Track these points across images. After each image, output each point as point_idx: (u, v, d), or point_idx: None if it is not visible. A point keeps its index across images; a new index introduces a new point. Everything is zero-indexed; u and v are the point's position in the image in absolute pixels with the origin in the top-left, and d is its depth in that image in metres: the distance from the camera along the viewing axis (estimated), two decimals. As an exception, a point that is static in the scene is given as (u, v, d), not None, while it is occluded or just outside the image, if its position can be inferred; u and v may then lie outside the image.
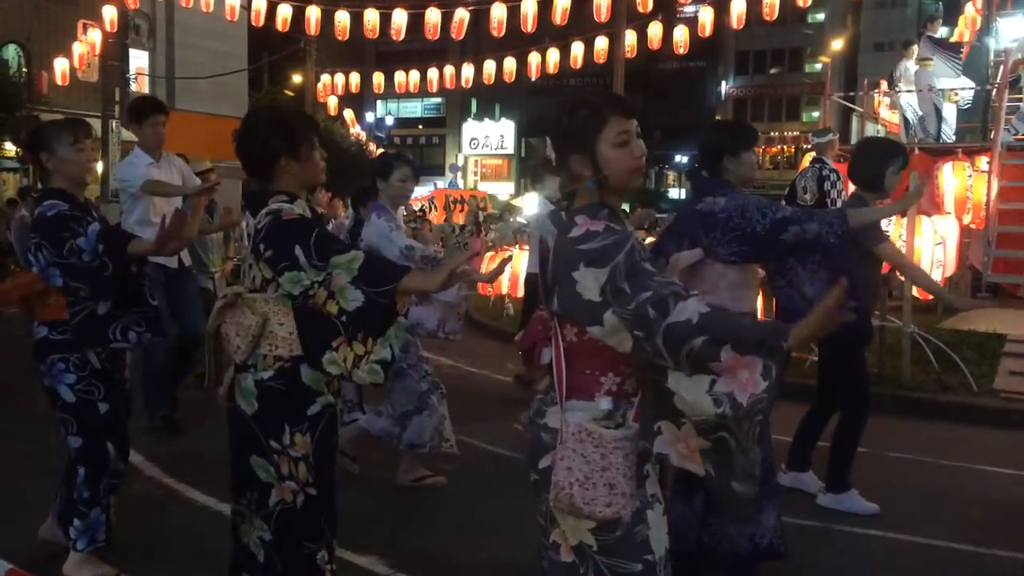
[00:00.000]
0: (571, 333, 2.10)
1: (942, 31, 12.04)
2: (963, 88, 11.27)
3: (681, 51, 14.96)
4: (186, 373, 5.96)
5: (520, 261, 10.86)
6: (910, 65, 11.33)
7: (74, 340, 3.22)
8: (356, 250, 2.49)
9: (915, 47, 11.69)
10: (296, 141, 2.59)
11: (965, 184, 9.40)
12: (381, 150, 23.25)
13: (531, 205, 25.15)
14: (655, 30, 14.69)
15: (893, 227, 7.52)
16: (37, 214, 3.20)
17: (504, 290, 10.98)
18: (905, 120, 11.56)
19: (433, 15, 14.04)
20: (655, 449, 2.07)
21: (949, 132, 11.05)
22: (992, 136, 10.07)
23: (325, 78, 20.13)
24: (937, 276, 8.26)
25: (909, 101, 11.26)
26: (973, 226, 9.81)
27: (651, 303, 1.90)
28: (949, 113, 11.05)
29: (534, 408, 2.20)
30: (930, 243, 7.80)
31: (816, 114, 39.37)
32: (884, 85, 12.54)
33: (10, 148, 20.70)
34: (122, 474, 3.46)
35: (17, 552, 3.27)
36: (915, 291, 6.96)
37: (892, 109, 12.37)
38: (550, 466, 2.06)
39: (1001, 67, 10.83)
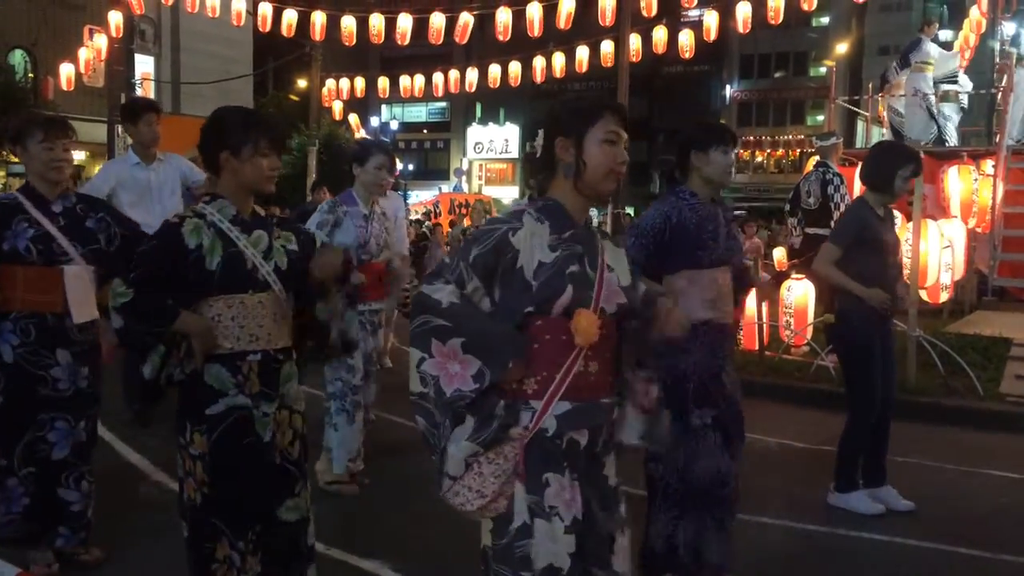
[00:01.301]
0: None
1: (947, 34, 12.03)
2: (960, 90, 11.22)
3: (686, 55, 14.95)
4: None
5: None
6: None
7: None
8: (129, 285, 2.52)
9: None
10: (241, 139, 2.60)
11: (971, 188, 9.38)
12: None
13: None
14: (660, 34, 14.68)
15: (899, 232, 7.50)
16: None
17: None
18: (892, 125, 11.55)
19: (438, 20, 14.06)
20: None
21: (952, 131, 11.01)
22: (997, 139, 10.05)
23: (330, 83, 20.14)
24: (946, 279, 8.25)
25: (895, 105, 11.25)
26: (979, 230, 9.79)
27: (432, 271, 2.09)
28: (952, 112, 11.02)
29: None
30: (937, 247, 7.79)
31: (820, 118, 39.30)
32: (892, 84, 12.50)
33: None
34: (6, 470, 3.32)
35: (25, 555, 3.29)
36: (924, 295, 6.96)
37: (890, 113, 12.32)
38: None
39: (1006, 71, 10.81)
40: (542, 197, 2.19)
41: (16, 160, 18.85)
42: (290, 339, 2.75)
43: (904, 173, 4.31)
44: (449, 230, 21.40)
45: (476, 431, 2.01)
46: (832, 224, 7.77)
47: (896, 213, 7.67)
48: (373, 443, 4.69)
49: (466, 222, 23.09)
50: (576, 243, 2.12)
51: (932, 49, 11.01)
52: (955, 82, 11.08)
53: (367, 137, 28.58)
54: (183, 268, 2.55)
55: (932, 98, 10.66)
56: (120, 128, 16.45)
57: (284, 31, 14.97)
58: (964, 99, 11.50)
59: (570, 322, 2.05)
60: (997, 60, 12.75)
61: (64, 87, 17.89)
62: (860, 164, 4.67)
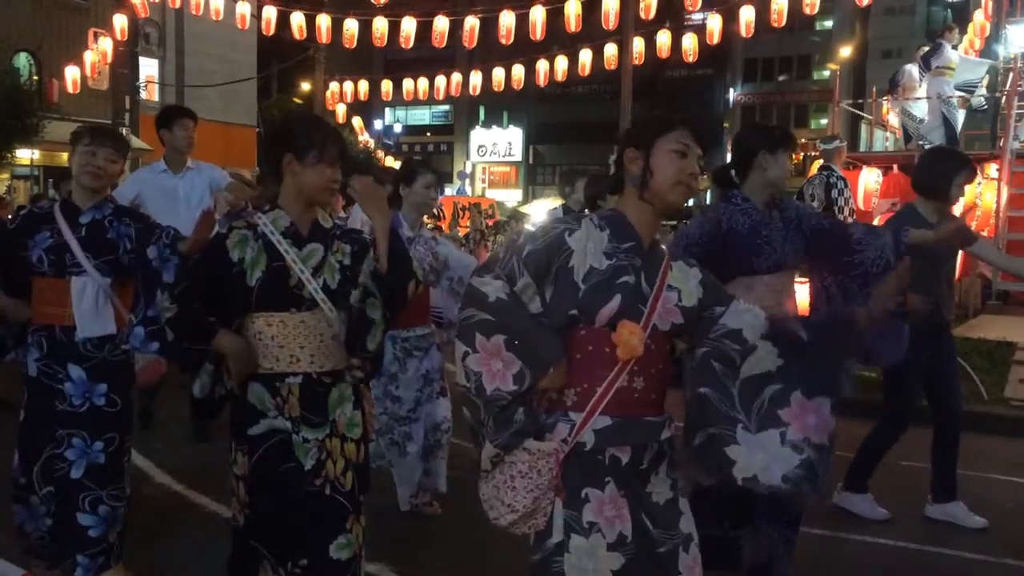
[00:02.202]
0: None
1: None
2: (969, 96, 11.21)
3: (689, 59, 14.98)
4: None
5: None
6: (913, 69, 11.33)
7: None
8: (173, 300, 2.46)
9: (925, 50, 11.71)
10: (308, 142, 2.49)
11: (975, 191, 9.38)
12: (390, 157, 23.31)
13: (539, 212, 25.17)
14: (663, 38, 14.71)
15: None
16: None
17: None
18: (904, 128, 11.54)
19: (441, 23, 14.10)
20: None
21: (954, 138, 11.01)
22: (1001, 143, 10.05)
23: (334, 86, 20.20)
24: (947, 283, 8.23)
25: (908, 108, 11.24)
26: (983, 233, 9.77)
27: (484, 263, 2.04)
28: (959, 119, 11.02)
29: None
30: (940, 250, 7.77)
31: (824, 121, 39.33)
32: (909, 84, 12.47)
33: (23, 155, 20.84)
34: (28, 487, 3.21)
35: (30, 558, 3.29)
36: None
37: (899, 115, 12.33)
38: None
39: (1011, 74, 10.81)
40: (610, 208, 2.14)
41: (21, 163, 18.82)
42: (343, 361, 2.58)
43: (959, 180, 4.22)
44: (448, 232, 21.44)
45: (494, 432, 1.97)
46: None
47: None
48: (378, 448, 4.67)
49: (463, 225, 23.13)
50: (636, 255, 2.06)
51: (952, 54, 10.99)
52: (972, 91, 11.06)
53: (370, 140, 28.63)
54: (225, 282, 2.46)
55: (955, 102, 10.66)
56: (125, 131, 16.52)
57: (288, 34, 15.02)
58: (982, 101, 11.49)
59: (613, 334, 2.00)
60: (1001, 64, 12.74)
61: (69, 90, 17.96)
62: (914, 171, 4.59)
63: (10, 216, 6.85)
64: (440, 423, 4.41)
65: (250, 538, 2.52)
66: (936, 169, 4.30)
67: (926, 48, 11.51)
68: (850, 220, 7.79)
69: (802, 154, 41.13)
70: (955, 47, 11.33)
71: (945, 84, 10.79)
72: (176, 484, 4.66)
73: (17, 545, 3.30)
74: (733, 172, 3.34)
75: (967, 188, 9.12)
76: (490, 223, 22.60)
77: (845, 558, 4.01)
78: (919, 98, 11.02)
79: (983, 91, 11.39)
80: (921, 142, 10.79)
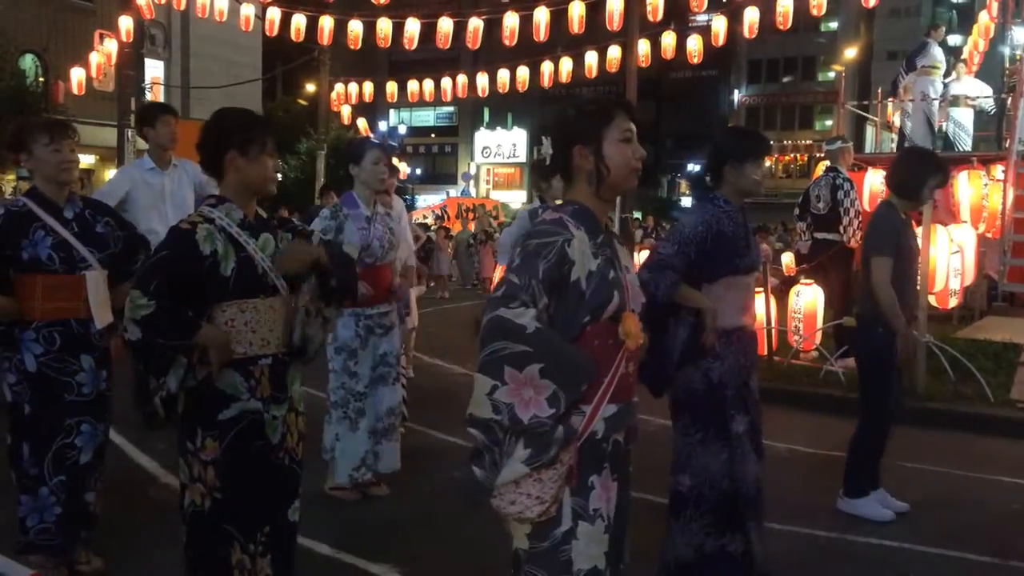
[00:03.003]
0: None
1: (956, 39, 12.00)
2: (969, 95, 11.19)
3: (694, 60, 14.95)
4: None
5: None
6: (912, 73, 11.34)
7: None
8: (149, 296, 2.44)
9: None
10: (248, 137, 2.59)
11: (981, 193, 9.35)
12: (395, 158, 23.31)
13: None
14: (668, 39, 14.69)
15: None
16: None
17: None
18: (901, 130, 11.54)
19: (446, 24, 14.08)
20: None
21: (965, 138, 10.98)
22: (1007, 145, 10.02)
23: (339, 87, 20.20)
24: (955, 284, 8.23)
25: (907, 109, 11.23)
26: (989, 235, 9.75)
27: (507, 288, 1.98)
28: (966, 119, 10.99)
29: None
30: (946, 252, 7.76)
31: (829, 123, 39.28)
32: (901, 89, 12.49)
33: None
34: (38, 478, 3.29)
35: (37, 559, 3.30)
36: (933, 300, 6.93)
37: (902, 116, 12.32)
38: None
39: (1016, 75, 10.78)
40: (569, 202, 2.17)
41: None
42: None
43: (932, 182, 4.32)
44: (454, 234, 21.47)
45: (532, 457, 1.97)
46: (841, 229, 7.78)
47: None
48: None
49: (470, 227, 23.13)
50: (607, 246, 2.13)
51: (938, 53, 10.99)
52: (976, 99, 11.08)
53: (356, 137, 28.70)
54: (199, 275, 2.52)
55: (935, 104, 10.65)
56: (130, 132, 16.54)
57: (293, 35, 15.03)
58: (990, 103, 11.47)
59: (617, 326, 2.07)
60: (1007, 65, 12.72)
61: (75, 91, 17.97)
62: (888, 169, 4.67)
63: None
64: (394, 407, 4.56)
65: (220, 521, 2.58)
66: (910, 170, 4.40)
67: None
68: (856, 222, 7.80)
69: (807, 155, 41.21)
70: (953, 48, 11.33)
71: (930, 84, 10.77)
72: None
73: (14, 546, 3.29)
74: (707, 178, 3.42)
75: (973, 189, 9.16)
76: (496, 223, 22.61)
77: (848, 557, 3.99)
78: (911, 99, 11.01)
79: (984, 92, 11.37)
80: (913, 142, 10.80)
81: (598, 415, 2.06)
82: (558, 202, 2.28)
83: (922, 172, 4.34)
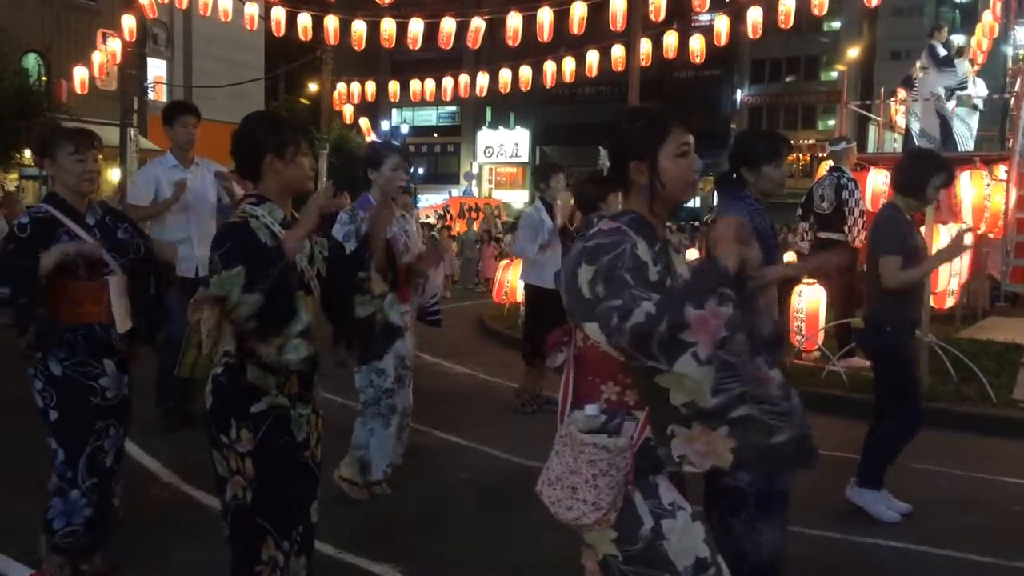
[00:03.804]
0: (580, 337, 2.13)
1: (959, 39, 11.99)
2: (974, 95, 11.18)
3: (697, 60, 14.95)
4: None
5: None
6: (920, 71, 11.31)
7: (29, 339, 3.32)
8: (242, 263, 2.48)
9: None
10: (283, 140, 2.64)
11: (983, 193, 9.34)
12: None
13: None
14: (670, 39, 14.69)
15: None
16: (12, 225, 3.34)
17: (519, 298, 10.98)
18: (907, 129, 11.52)
19: (448, 24, 14.09)
20: (675, 452, 2.01)
21: (968, 138, 10.97)
22: (1010, 145, 10.01)
23: (341, 87, 20.23)
24: (954, 284, 8.22)
25: (914, 109, 11.22)
26: (991, 235, 9.74)
27: (617, 311, 1.91)
28: (972, 120, 10.98)
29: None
30: (947, 252, 7.75)
31: (832, 122, 39.21)
32: (901, 93, 12.50)
33: (32, 155, 20.93)
34: (71, 481, 3.30)
35: (37, 557, 3.30)
36: (931, 300, 6.93)
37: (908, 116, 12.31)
38: None
39: (1019, 75, 10.78)
40: (626, 211, 2.16)
41: (29, 164, 18.82)
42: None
43: (936, 182, 4.32)
44: (456, 234, 21.46)
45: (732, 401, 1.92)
46: (845, 229, 7.77)
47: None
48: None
49: (476, 226, 23.14)
50: (664, 256, 2.11)
51: (941, 52, 10.99)
52: (964, 87, 11.05)
53: (377, 140, 28.68)
54: (265, 263, 2.52)
55: (945, 102, 10.64)
56: (132, 131, 16.57)
57: (300, 35, 15.05)
58: (979, 103, 11.48)
59: None
60: (1010, 65, 12.71)
61: (77, 91, 18.01)
62: (893, 169, 4.68)
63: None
64: (407, 409, 4.57)
65: (256, 515, 2.61)
66: (914, 170, 4.41)
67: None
68: (860, 221, 7.78)
69: (810, 155, 41.15)
70: (957, 48, 11.33)
71: (927, 84, 10.77)
72: (183, 484, 4.66)
73: (43, 544, 3.32)
74: (735, 176, 3.45)
75: (975, 189, 9.16)
76: (500, 223, 22.63)
77: (850, 557, 3.99)
78: (915, 99, 11.01)
79: (980, 92, 11.36)
80: (925, 143, 10.78)
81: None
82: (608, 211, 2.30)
83: (925, 173, 4.35)
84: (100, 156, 3.39)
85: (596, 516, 2.01)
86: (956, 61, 11.10)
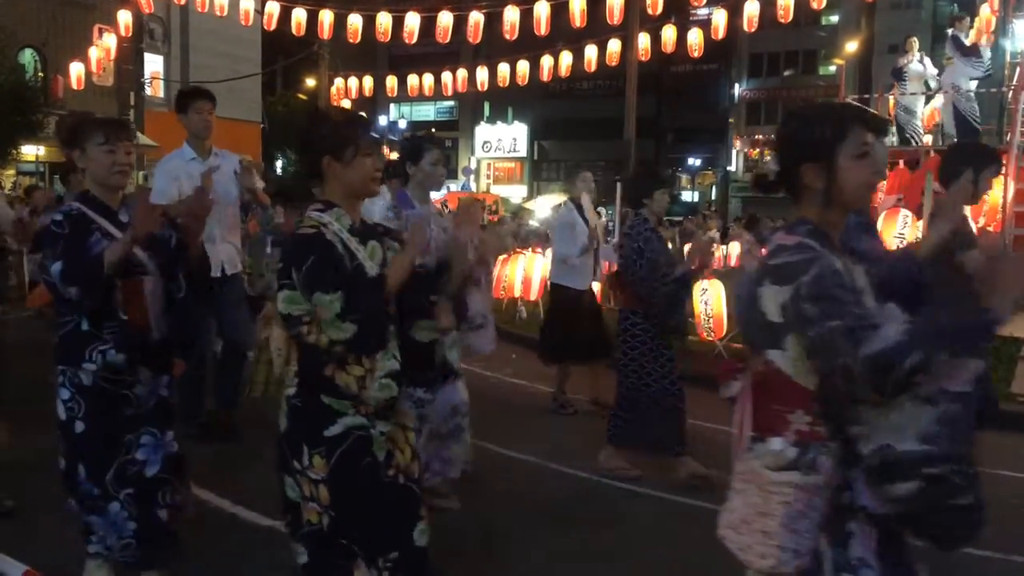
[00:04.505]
0: (758, 363, 1.94)
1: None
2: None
3: (694, 54, 14.93)
4: (239, 383, 5.28)
5: (534, 264, 10.87)
6: (901, 61, 11.34)
7: (56, 355, 3.09)
8: (340, 289, 2.31)
9: (914, 40, 11.76)
10: (341, 140, 2.45)
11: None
12: (395, 153, 23.29)
13: (543, 208, 25.08)
14: (668, 33, 14.67)
15: (910, 229, 7.48)
16: (46, 223, 3.11)
17: (516, 293, 10.98)
18: (898, 124, 11.51)
19: (445, 18, 14.06)
20: (860, 502, 1.80)
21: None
22: (1008, 138, 10.00)
23: (338, 82, 20.19)
24: (953, 279, 8.21)
25: (901, 102, 11.21)
26: (990, 228, 9.73)
27: (841, 332, 1.71)
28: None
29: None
30: (946, 246, 7.76)
31: (830, 116, 39.14)
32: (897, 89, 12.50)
33: (28, 152, 20.89)
34: (103, 496, 3.08)
35: (32, 553, 3.29)
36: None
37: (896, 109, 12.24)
38: None
39: (1018, 69, 10.76)
40: (800, 220, 1.95)
41: (28, 158, 18.81)
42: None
43: (987, 174, 4.20)
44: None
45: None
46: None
47: (907, 212, 7.68)
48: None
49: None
50: (847, 268, 1.90)
51: (967, 41, 11.01)
52: (990, 75, 11.06)
53: (416, 133, 28.57)
54: (363, 290, 2.37)
55: (970, 93, 10.63)
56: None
57: (292, 30, 15.00)
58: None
59: None
60: (1008, 58, 12.69)
61: (74, 86, 17.97)
62: (939, 165, 4.58)
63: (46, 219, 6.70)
64: (458, 405, 4.10)
65: (340, 537, 2.46)
66: (962, 163, 4.27)
67: (914, 39, 11.61)
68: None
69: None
70: (961, 44, 11.32)
71: (951, 76, 10.76)
72: (204, 493, 4.57)
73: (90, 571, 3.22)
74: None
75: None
76: (493, 219, 22.59)
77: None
78: (912, 93, 11.01)
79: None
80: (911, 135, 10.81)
81: None
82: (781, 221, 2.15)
83: (973, 166, 4.21)
84: (130, 148, 3.15)
85: (798, 563, 1.82)
86: (981, 48, 11.05)
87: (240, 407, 5.35)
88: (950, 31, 11.34)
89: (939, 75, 11.92)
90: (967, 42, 10.87)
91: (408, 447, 2.58)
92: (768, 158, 2.06)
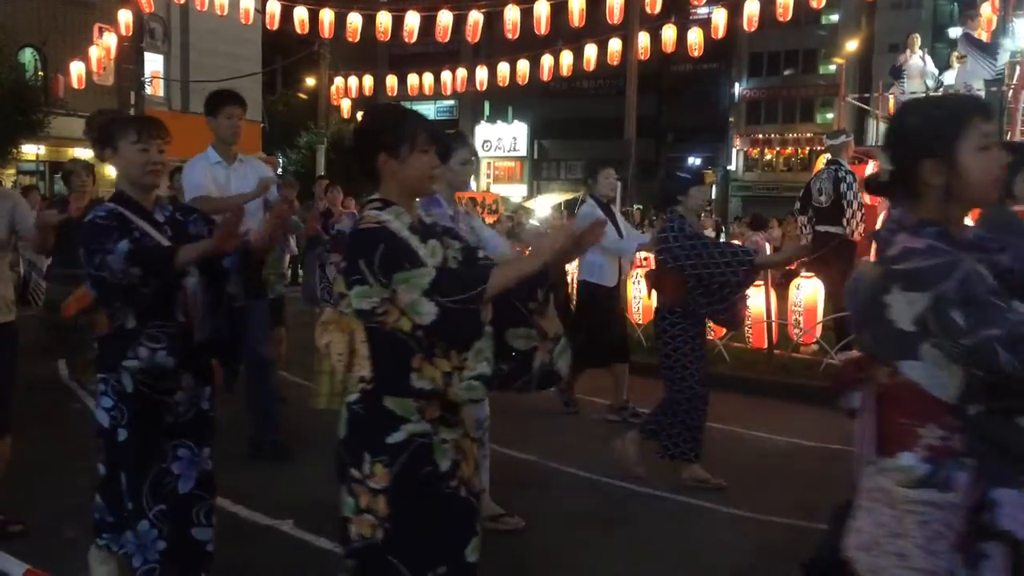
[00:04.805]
0: (884, 374, 1.85)
1: (957, 31, 12.00)
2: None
3: (695, 53, 14.94)
4: (268, 397, 5.26)
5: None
6: (911, 58, 11.32)
7: (105, 355, 2.97)
8: (427, 267, 2.21)
9: (916, 37, 11.75)
10: (397, 136, 2.34)
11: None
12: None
13: (543, 207, 25.05)
14: (668, 32, 14.67)
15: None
16: (85, 221, 2.98)
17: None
18: None
19: (445, 17, 14.06)
20: (1003, 525, 1.70)
21: None
22: (1008, 137, 10.00)
23: (338, 81, 20.20)
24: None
25: (901, 100, 11.20)
26: (990, 228, 9.74)
27: (1003, 342, 1.61)
28: None
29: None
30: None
31: (830, 115, 39.23)
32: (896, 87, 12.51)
33: (28, 151, 20.89)
34: (137, 512, 2.96)
35: (33, 552, 3.29)
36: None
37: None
38: None
39: (1018, 68, 10.75)
40: (924, 222, 1.83)
41: (29, 157, 18.75)
42: None
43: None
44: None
45: None
46: (844, 222, 7.76)
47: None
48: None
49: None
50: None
51: (984, 38, 11.04)
52: (1001, 77, 11.05)
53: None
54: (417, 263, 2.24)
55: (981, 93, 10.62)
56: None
57: (297, 28, 15.01)
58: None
59: None
60: (1008, 57, 12.68)
61: (74, 85, 17.97)
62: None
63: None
64: (482, 420, 3.99)
65: (388, 554, 2.31)
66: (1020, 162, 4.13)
67: (916, 35, 11.63)
68: (859, 215, 7.78)
69: (808, 149, 41.16)
70: (977, 40, 11.34)
71: (965, 74, 10.74)
72: (242, 509, 4.41)
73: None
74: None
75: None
76: (492, 219, 22.59)
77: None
78: (914, 92, 11.02)
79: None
80: None
81: None
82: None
83: (1012, 166, 4.07)
84: (165, 146, 3.02)
85: None
86: (999, 47, 11.02)
87: (280, 420, 5.24)
88: (962, 29, 11.33)
89: (940, 73, 11.92)
90: (984, 38, 10.86)
91: (472, 458, 2.45)
92: (880, 157, 1.93)
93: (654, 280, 5.08)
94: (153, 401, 2.97)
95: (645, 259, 8.23)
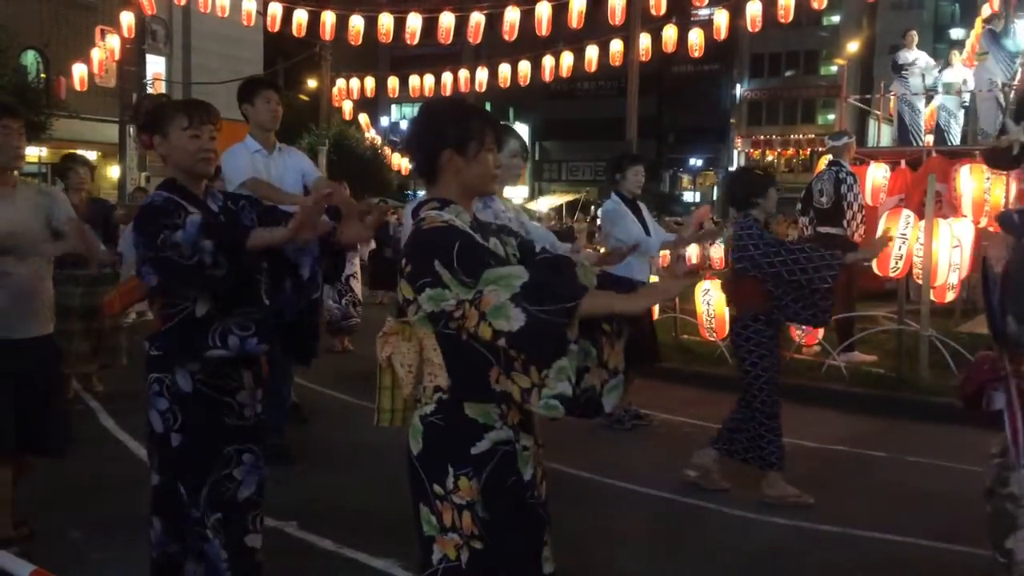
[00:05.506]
0: None
1: (958, 32, 12.00)
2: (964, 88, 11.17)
3: (696, 54, 14.95)
4: (276, 405, 4.92)
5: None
6: (910, 56, 11.32)
7: (164, 351, 2.76)
8: (518, 265, 2.08)
9: (914, 34, 11.75)
10: (466, 133, 2.24)
11: (983, 187, 9.32)
12: (397, 154, 23.30)
13: (545, 208, 25.00)
14: (669, 33, 14.68)
15: (911, 230, 7.49)
16: (141, 206, 2.82)
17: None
18: (900, 120, 11.49)
19: (447, 19, 14.07)
20: None
21: (957, 132, 10.99)
22: (1009, 138, 10.00)
23: (340, 82, 20.22)
24: (953, 279, 8.22)
25: (906, 99, 11.20)
26: (991, 229, 9.73)
27: None
28: (960, 114, 10.99)
29: (992, 476, 1.92)
30: (947, 246, 7.75)
31: (832, 116, 39.19)
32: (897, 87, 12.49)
33: (31, 153, 20.90)
34: (200, 522, 2.78)
35: (39, 553, 3.30)
36: (931, 294, 6.93)
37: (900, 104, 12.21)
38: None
39: (1018, 68, 10.76)
40: None
41: (31, 159, 18.72)
42: None
43: None
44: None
45: None
46: (844, 223, 7.77)
47: (909, 213, 7.68)
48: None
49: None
50: None
51: (988, 38, 11.03)
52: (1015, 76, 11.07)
53: (377, 137, 28.53)
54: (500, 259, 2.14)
55: (998, 89, 10.62)
56: (132, 128, 16.56)
57: (294, 31, 15.03)
58: (966, 97, 11.48)
59: None
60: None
61: (76, 87, 17.99)
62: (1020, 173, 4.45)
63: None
64: None
65: (475, 573, 2.18)
66: None
67: (913, 32, 11.63)
68: (860, 216, 7.79)
69: (809, 150, 41.11)
70: (954, 41, 11.36)
71: (985, 69, 10.72)
72: (299, 531, 4.42)
73: None
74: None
75: (975, 183, 9.16)
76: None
77: (852, 551, 4.00)
78: (916, 92, 11.02)
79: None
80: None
81: None
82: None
83: None
84: (216, 132, 2.86)
85: None
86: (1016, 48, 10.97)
87: (284, 424, 5.17)
88: (986, 26, 11.31)
89: (939, 71, 11.89)
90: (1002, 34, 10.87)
91: (542, 466, 2.34)
92: (1012, 128, 1.87)
93: (732, 289, 4.91)
94: (214, 402, 2.79)
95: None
